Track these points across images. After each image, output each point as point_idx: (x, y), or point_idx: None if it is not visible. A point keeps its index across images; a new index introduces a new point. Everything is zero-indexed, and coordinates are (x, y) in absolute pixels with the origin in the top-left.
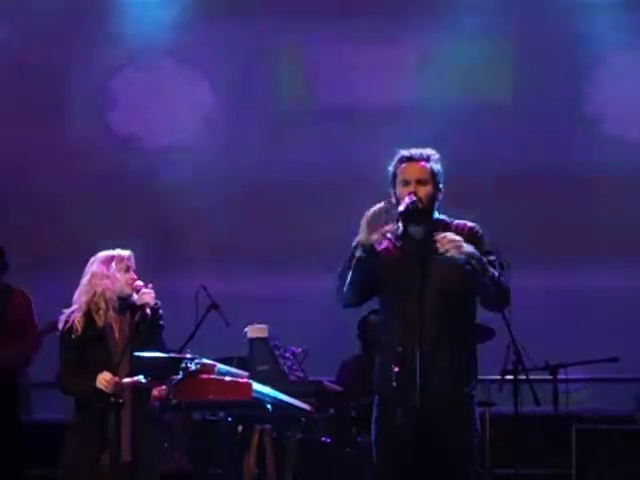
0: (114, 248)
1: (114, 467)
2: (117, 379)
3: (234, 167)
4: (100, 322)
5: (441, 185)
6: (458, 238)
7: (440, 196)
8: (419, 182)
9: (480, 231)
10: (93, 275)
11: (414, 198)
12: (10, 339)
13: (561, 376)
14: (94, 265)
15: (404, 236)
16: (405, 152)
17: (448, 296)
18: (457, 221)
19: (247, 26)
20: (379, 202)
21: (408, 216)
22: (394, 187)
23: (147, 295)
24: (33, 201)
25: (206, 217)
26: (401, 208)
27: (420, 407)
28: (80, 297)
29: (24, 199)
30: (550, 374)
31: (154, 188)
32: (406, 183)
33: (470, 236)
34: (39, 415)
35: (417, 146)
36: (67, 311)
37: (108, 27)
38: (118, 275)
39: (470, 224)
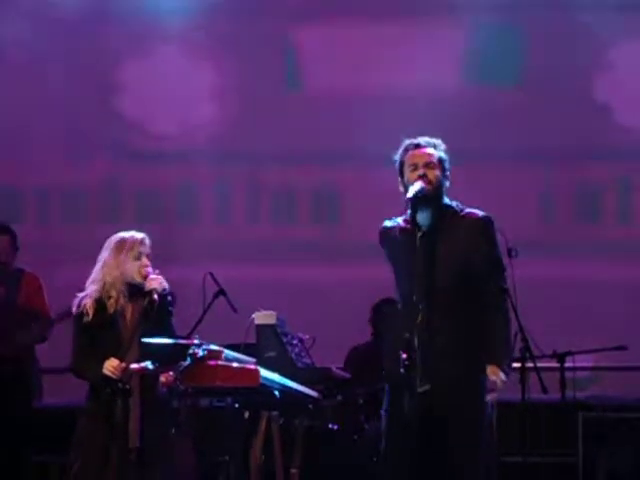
0: (129, 230)
1: (122, 453)
2: (124, 365)
3: (241, 150)
4: (111, 308)
5: (448, 173)
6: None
7: (447, 183)
8: (427, 165)
9: (489, 222)
10: (104, 264)
11: (423, 185)
12: (22, 321)
13: (568, 364)
14: (106, 253)
15: (413, 221)
16: (413, 140)
17: (454, 283)
18: (467, 209)
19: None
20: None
21: (417, 201)
22: (402, 176)
23: (154, 281)
24: (39, 187)
25: (214, 202)
26: (410, 194)
27: (427, 394)
28: (91, 284)
29: (29, 184)
30: (558, 362)
31: (160, 172)
32: (415, 167)
33: (479, 226)
34: (48, 401)
35: (422, 134)
36: (80, 295)
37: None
38: (128, 264)
39: (480, 213)
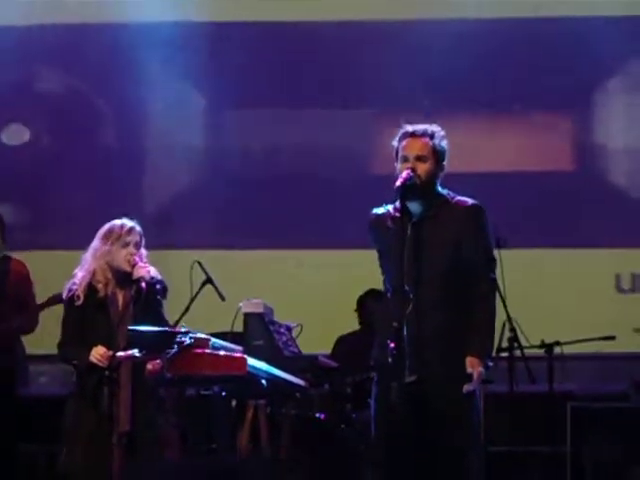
0: (121, 218)
1: (109, 439)
2: (111, 353)
3: (234, 140)
4: (102, 292)
5: (444, 162)
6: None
7: (441, 173)
8: (418, 158)
9: (479, 210)
10: (93, 252)
11: (411, 174)
12: (9, 311)
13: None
14: (95, 241)
15: (403, 211)
16: (409, 128)
17: (443, 272)
18: (458, 197)
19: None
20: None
21: (404, 192)
22: (397, 162)
23: (142, 269)
24: (34, 177)
25: (202, 191)
26: (397, 184)
27: (415, 384)
28: (80, 271)
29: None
30: (546, 352)
31: (151, 161)
32: (405, 159)
33: (468, 214)
34: (35, 389)
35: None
36: (70, 281)
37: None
38: (115, 252)
39: (470, 202)
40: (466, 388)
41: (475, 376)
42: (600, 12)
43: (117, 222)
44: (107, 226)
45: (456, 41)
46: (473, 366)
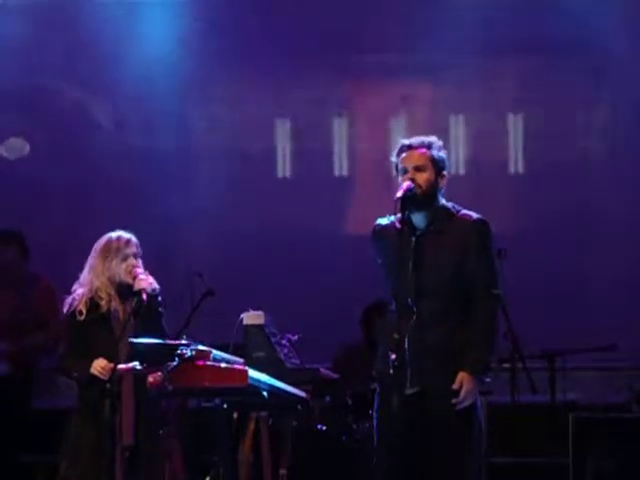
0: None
1: (111, 452)
2: (112, 366)
3: (231, 143)
4: (104, 308)
5: (445, 172)
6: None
7: (442, 182)
8: (417, 169)
9: (484, 225)
10: (92, 268)
11: (411, 185)
12: (35, 329)
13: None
14: (93, 257)
15: (407, 222)
16: (405, 141)
17: (446, 285)
18: (463, 211)
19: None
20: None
21: (405, 202)
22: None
23: (143, 281)
24: (38, 191)
25: (204, 204)
26: (398, 195)
27: (416, 395)
28: (79, 288)
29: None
30: (547, 362)
31: (151, 172)
32: (405, 171)
33: (472, 229)
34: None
35: None
36: (71, 296)
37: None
38: (115, 267)
39: (476, 216)
40: (455, 402)
41: (462, 393)
42: None
43: (113, 235)
44: (103, 240)
45: None
46: (461, 381)
